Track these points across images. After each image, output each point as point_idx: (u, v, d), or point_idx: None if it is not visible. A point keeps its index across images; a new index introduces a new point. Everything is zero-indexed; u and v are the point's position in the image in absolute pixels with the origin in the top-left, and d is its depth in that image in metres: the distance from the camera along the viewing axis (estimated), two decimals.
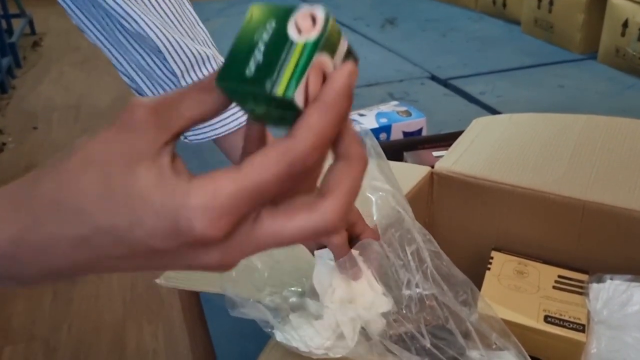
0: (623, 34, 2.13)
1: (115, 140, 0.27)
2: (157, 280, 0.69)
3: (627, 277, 0.72)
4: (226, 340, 1.03)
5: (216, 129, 0.55)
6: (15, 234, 0.26)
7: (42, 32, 3.12)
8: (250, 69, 0.28)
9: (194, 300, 1.23)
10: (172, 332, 1.13)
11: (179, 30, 0.51)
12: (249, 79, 0.27)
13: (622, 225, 0.72)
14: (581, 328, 0.68)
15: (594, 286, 0.72)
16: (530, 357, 0.59)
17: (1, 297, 1.26)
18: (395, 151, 1.17)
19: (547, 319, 0.70)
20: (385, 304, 0.58)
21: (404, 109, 1.48)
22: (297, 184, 0.27)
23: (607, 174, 0.78)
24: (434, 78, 2.17)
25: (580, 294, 0.73)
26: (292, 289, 0.62)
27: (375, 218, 0.61)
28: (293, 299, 0.60)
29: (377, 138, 1.39)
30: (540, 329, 0.69)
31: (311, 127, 0.26)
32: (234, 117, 0.55)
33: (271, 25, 0.29)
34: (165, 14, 0.51)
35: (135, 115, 0.28)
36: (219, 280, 0.60)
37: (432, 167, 0.84)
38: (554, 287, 0.74)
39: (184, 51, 0.51)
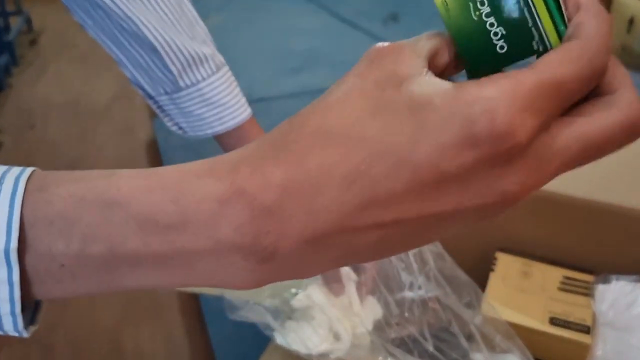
0: (629, 32, 2.11)
1: (373, 69, 0.23)
2: None
3: (633, 278, 0.71)
4: (226, 343, 1.02)
5: (214, 127, 0.54)
6: (281, 177, 0.22)
7: (40, 29, 3.11)
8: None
9: (194, 303, 1.23)
10: (171, 335, 1.12)
11: (177, 30, 0.52)
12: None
13: (628, 225, 0.71)
14: (587, 330, 0.67)
15: (600, 287, 0.71)
16: (535, 359, 0.58)
17: None
18: None
19: (553, 321, 0.69)
20: (359, 330, 0.57)
21: None
22: (587, 89, 0.23)
23: (614, 174, 0.77)
24: None
25: (586, 295, 0.72)
26: (293, 290, 0.61)
27: None
28: (293, 302, 0.60)
29: None
30: (546, 331, 0.68)
31: (593, 29, 0.23)
32: (232, 117, 0.54)
33: None
34: (164, 13, 0.51)
35: (382, 48, 0.24)
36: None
37: None
38: (559, 289, 0.73)
39: (180, 51, 0.51)
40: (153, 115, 2.08)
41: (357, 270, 0.57)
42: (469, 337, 0.58)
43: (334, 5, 3.08)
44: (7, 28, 2.79)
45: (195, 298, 1.19)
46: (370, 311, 0.57)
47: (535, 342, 0.66)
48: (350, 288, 0.57)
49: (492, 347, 0.59)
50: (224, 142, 0.56)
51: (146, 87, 0.54)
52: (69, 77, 2.55)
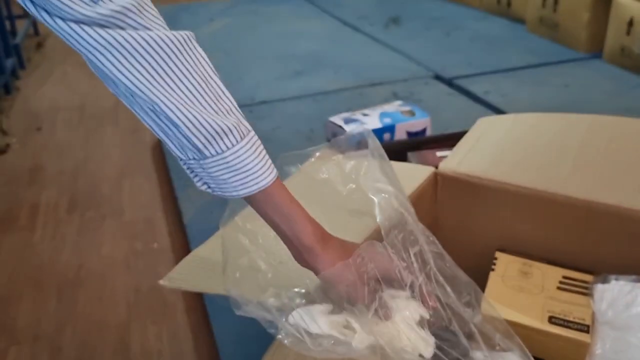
0: (628, 33, 2.12)
1: None
2: (161, 282, 0.69)
3: (632, 278, 0.71)
4: (230, 341, 1.03)
5: (239, 190, 0.56)
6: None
7: (46, 32, 3.13)
8: None
9: (198, 302, 1.23)
10: (176, 334, 1.13)
11: (201, 106, 0.54)
12: None
13: (626, 225, 0.72)
14: (586, 329, 0.68)
15: (599, 287, 0.72)
16: (535, 358, 0.59)
17: (6, 297, 1.27)
18: (399, 151, 1.17)
19: (552, 320, 0.69)
20: (423, 347, 0.56)
21: (407, 108, 1.48)
22: None
23: (612, 175, 0.78)
24: (438, 77, 2.16)
25: (585, 294, 0.72)
26: (296, 290, 0.62)
27: (378, 220, 0.61)
28: (297, 300, 0.60)
29: (381, 138, 1.39)
30: (545, 329, 0.69)
31: None
32: (255, 182, 0.56)
33: None
34: (189, 91, 0.53)
35: None
36: (222, 281, 0.60)
37: (436, 167, 0.84)
38: (558, 288, 0.74)
39: (203, 127, 0.53)
40: None
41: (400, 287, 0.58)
42: (469, 336, 0.59)
43: (336, 10, 3.10)
44: (14, 31, 2.80)
45: (200, 297, 1.20)
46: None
47: (535, 340, 0.67)
48: (404, 309, 0.58)
49: (492, 345, 0.59)
50: (249, 201, 0.58)
51: (176, 151, 0.56)
52: (75, 80, 2.56)
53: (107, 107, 2.24)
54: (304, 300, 0.60)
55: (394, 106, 1.50)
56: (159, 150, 1.86)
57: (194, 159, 0.56)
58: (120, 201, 1.61)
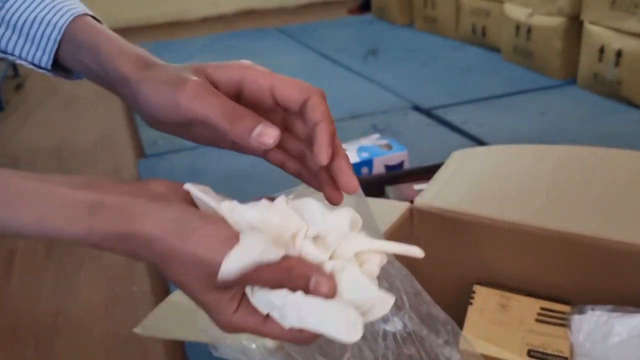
0: (600, 60, 2.16)
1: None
2: (135, 329, 0.68)
3: (608, 308, 0.71)
4: None
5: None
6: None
7: (25, 74, 3.14)
8: None
9: (178, 347, 1.22)
10: None
11: None
12: None
13: (601, 255, 0.72)
14: None
15: (576, 318, 0.72)
16: None
17: None
18: (377, 185, 1.18)
19: (531, 353, 0.69)
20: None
21: (385, 142, 1.49)
22: None
23: (586, 205, 0.79)
24: (416, 108, 2.19)
25: (563, 325, 0.72)
26: None
27: None
28: (270, 343, 0.60)
29: (359, 173, 1.39)
30: None
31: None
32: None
33: None
34: None
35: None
36: (196, 325, 0.60)
37: (411, 202, 0.84)
38: (536, 320, 0.74)
39: None
40: (138, 156, 2.08)
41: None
42: None
43: (315, 43, 3.14)
44: None
45: (179, 342, 1.19)
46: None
47: None
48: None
49: None
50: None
51: None
52: (54, 121, 2.56)
53: (85, 148, 2.24)
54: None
55: (372, 140, 1.51)
56: None
57: None
58: None
